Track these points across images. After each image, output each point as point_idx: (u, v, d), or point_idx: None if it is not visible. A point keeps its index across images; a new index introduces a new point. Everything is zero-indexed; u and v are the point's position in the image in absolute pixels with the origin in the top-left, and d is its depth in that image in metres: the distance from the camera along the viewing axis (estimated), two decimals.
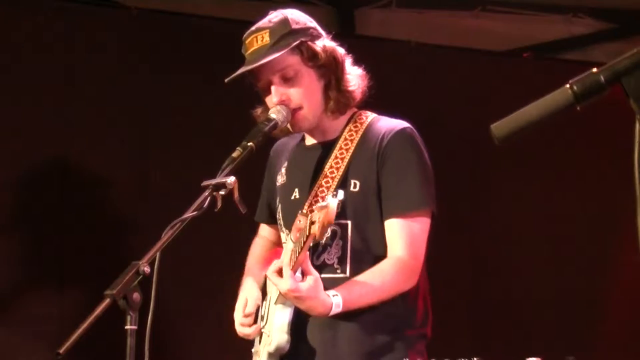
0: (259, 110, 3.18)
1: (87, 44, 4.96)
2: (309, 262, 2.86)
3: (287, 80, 3.05)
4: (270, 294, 3.14)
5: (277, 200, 3.23)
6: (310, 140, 3.21)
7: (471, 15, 5.88)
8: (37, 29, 4.87)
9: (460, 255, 5.49)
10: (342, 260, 3.02)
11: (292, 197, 3.13)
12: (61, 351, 2.45)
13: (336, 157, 3.07)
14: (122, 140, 4.99)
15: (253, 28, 3.08)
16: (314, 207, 2.74)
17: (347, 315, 2.94)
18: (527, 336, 5.54)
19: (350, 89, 3.08)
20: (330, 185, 3.03)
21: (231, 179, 2.79)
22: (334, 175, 3.05)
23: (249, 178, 2.88)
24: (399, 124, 3.10)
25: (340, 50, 3.11)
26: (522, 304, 5.65)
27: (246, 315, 3.15)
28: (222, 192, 2.77)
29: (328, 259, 3.03)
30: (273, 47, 3.01)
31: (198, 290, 5.00)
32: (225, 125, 4.33)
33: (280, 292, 2.91)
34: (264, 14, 3.16)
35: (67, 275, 4.82)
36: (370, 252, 3.01)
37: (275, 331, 3.02)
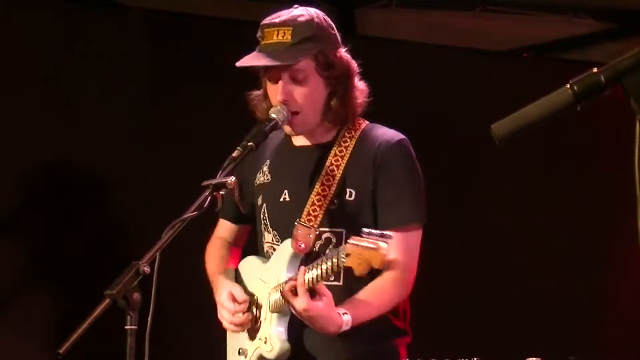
0: (253, 94, 3.16)
1: (87, 44, 4.95)
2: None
3: (295, 82, 3.04)
4: (261, 300, 3.14)
5: (259, 199, 3.20)
6: (299, 141, 3.18)
7: (471, 15, 5.87)
8: (37, 29, 4.86)
9: (459, 255, 5.48)
10: None
11: (281, 199, 3.13)
12: (61, 351, 2.46)
13: (332, 164, 3.06)
14: (122, 140, 4.99)
15: (276, 20, 3.05)
16: (354, 241, 2.75)
17: None
18: (527, 336, 5.53)
19: (352, 102, 3.09)
20: (327, 194, 3.04)
21: (231, 179, 2.79)
22: (330, 183, 3.04)
23: None
24: (395, 135, 3.12)
25: (354, 64, 3.11)
26: (522, 304, 5.65)
27: (240, 303, 3.13)
28: (222, 192, 2.78)
29: None
30: (293, 47, 2.99)
31: (198, 291, 4.99)
32: (225, 125, 4.32)
33: (294, 309, 2.92)
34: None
35: (67, 275, 4.81)
36: None
37: (276, 339, 3.04)
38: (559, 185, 5.78)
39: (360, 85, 3.13)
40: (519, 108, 1.73)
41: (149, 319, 2.55)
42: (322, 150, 3.12)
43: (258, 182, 3.22)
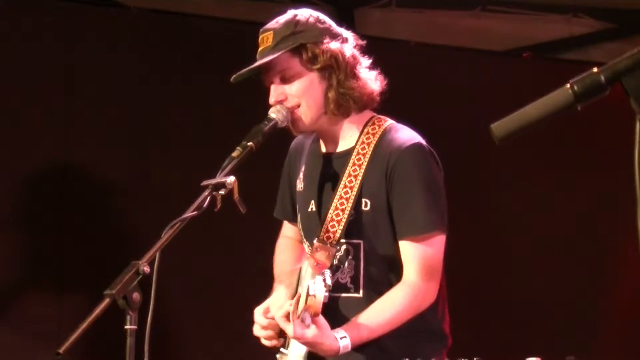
0: None
1: (87, 44, 4.95)
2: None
3: (286, 81, 3.05)
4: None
5: (297, 208, 3.20)
6: (326, 148, 3.17)
7: (471, 15, 5.88)
8: (37, 29, 4.86)
9: (460, 255, 5.47)
10: (355, 280, 3.03)
11: (310, 209, 3.12)
12: (61, 351, 2.45)
13: (350, 175, 3.03)
14: (122, 141, 4.99)
15: (263, 28, 3.09)
16: (310, 288, 2.74)
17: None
18: (527, 336, 5.54)
19: (352, 91, 3.07)
20: (345, 207, 3.00)
21: (231, 179, 2.79)
22: (348, 196, 3.01)
23: (250, 177, 2.87)
24: (408, 140, 3.05)
25: (347, 52, 3.07)
26: (522, 304, 5.65)
27: (266, 319, 3.07)
28: (222, 192, 2.77)
29: (342, 279, 3.03)
30: (274, 48, 3.01)
31: (198, 291, 5.00)
32: (225, 125, 4.32)
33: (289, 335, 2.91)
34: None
35: (67, 275, 4.82)
36: (383, 271, 3.02)
37: (294, 357, 3.03)
38: (559, 185, 5.79)
39: (366, 74, 3.11)
40: (519, 108, 1.73)
41: (149, 319, 2.54)
42: (344, 159, 3.09)
43: (298, 190, 3.22)
